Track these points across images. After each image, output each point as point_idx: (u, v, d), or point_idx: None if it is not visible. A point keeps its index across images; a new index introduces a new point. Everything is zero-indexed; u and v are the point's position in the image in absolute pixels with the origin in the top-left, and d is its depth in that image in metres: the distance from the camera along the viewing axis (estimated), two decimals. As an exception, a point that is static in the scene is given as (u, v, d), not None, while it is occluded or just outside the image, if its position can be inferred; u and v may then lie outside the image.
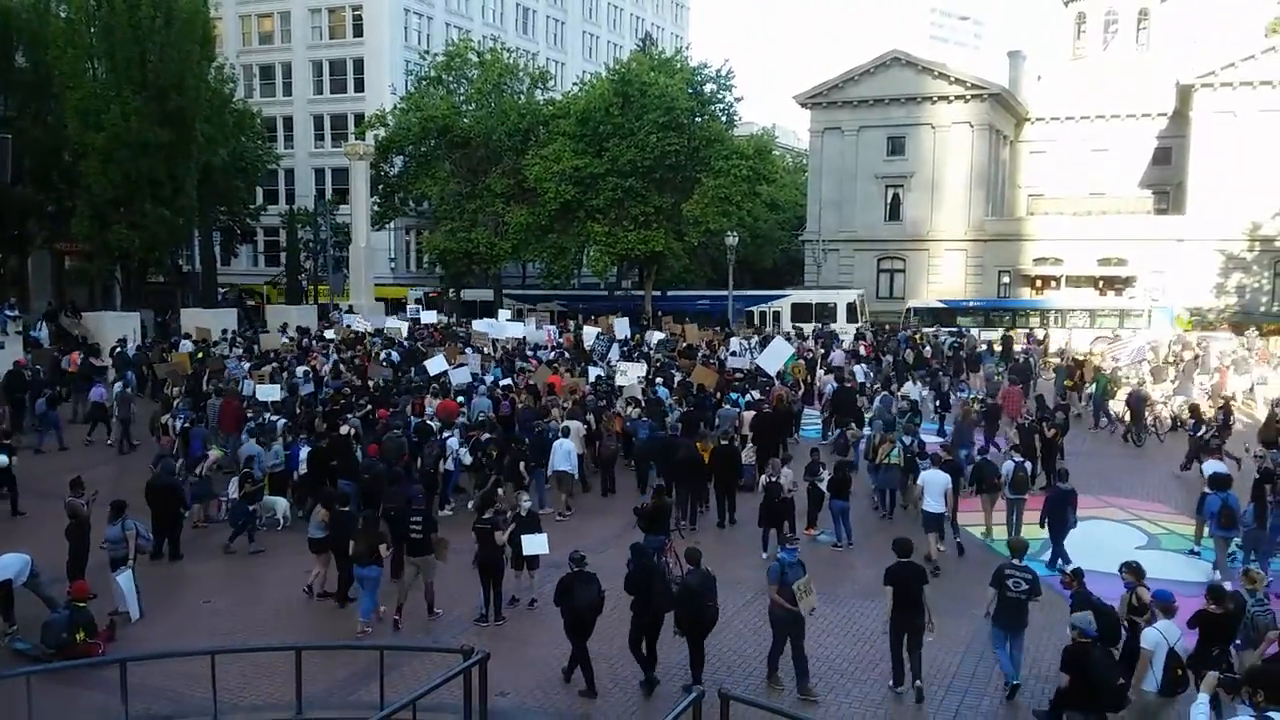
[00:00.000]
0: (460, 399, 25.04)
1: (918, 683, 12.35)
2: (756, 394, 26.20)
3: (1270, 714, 6.98)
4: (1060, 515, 17.09)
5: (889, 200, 64.46)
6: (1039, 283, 61.23)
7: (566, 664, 12.88)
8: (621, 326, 40.35)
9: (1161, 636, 10.15)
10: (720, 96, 55.95)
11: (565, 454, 20.56)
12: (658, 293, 59.83)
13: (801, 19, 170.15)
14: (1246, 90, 56.07)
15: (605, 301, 60.41)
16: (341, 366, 29.86)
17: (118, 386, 27.73)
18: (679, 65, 57.12)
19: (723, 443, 20.69)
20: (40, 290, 52.96)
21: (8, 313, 36.95)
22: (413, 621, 14.85)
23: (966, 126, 61.50)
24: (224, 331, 39.42)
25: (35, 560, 14.50)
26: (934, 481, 17.62)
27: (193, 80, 43.89)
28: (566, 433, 21.06)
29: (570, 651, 12.70)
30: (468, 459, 20.73)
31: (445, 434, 21.19)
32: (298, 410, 23.83)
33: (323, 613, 15.46)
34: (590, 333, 38.37)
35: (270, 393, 24.98)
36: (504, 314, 45.59)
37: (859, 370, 31.21)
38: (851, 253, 64.69)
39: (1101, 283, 59.50)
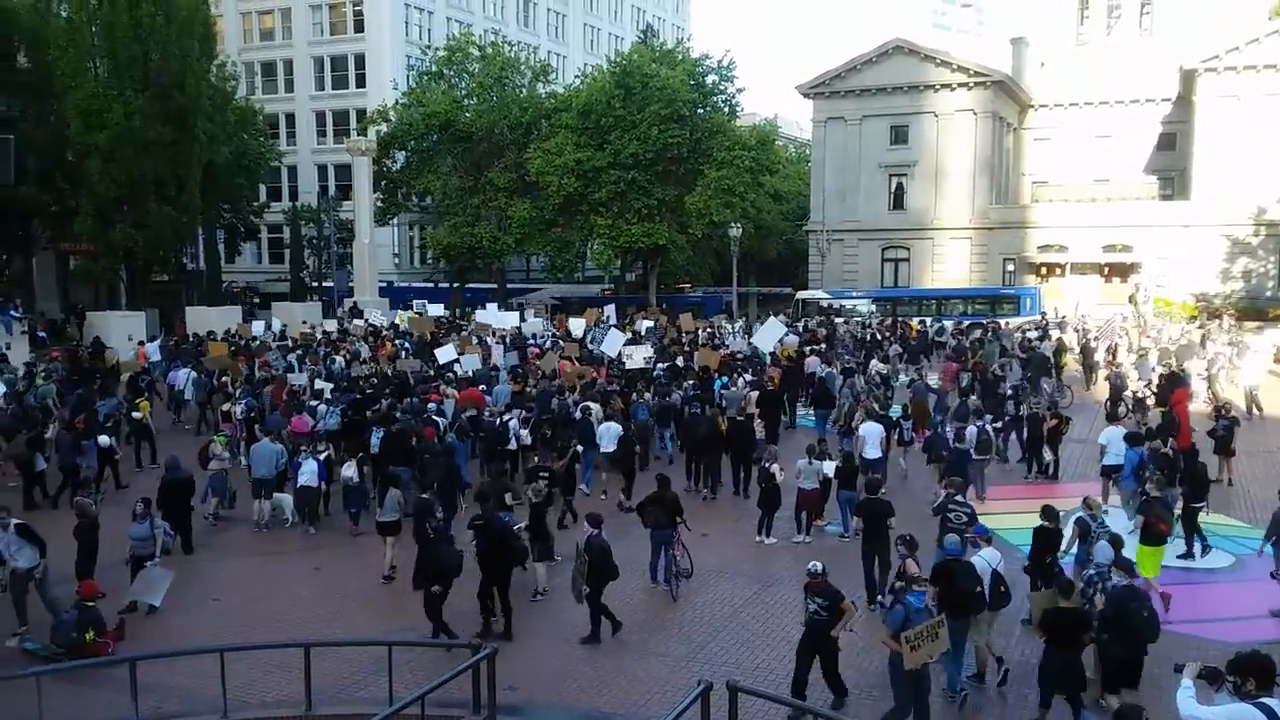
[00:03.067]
0: (481, 386, 25.85)
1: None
2: (749, 375, 27.52)
3: (1264, 700, 6.94)
4: None
5: (893, 189, 64.26)
6: (1044, 270, 61.06)
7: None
8: (609, 316, 41.48)
9: (985, 562, 12.23)
10: (722, 88, 55.90)
11: (612, 436, 21.18)
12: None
13: (803, 8, 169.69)
14: (1251, 74, 55.78)
15: (608, 299, 60.64)
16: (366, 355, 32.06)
17: (191, 375, 28.29)
18: (680, 57, 57.06)
19: (738, 418, 22.08)
20: (46, 291, 53.08)
21: (12, 314, 37.04)
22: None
23: (970, 114, 61.27)
24: (266, 325, 40.47)
25: (47, 562, 14.47)
26: (871, 432, 20.36)
27: (194, 78, 43.95)
28: (588, 413, 22.03)
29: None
30: (528, 439, 21.87)
31: (506, 416, 22.19)
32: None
33: (331, 610, 15.47)
34: (577, 323, 39.66)
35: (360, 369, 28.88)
36: (491, 306, 46.20)
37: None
38: (856, 243, 64.53)
39: (1107, 269, 59.35)
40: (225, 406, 25.23)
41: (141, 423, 24.05)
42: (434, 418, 22.37)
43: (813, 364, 30.12)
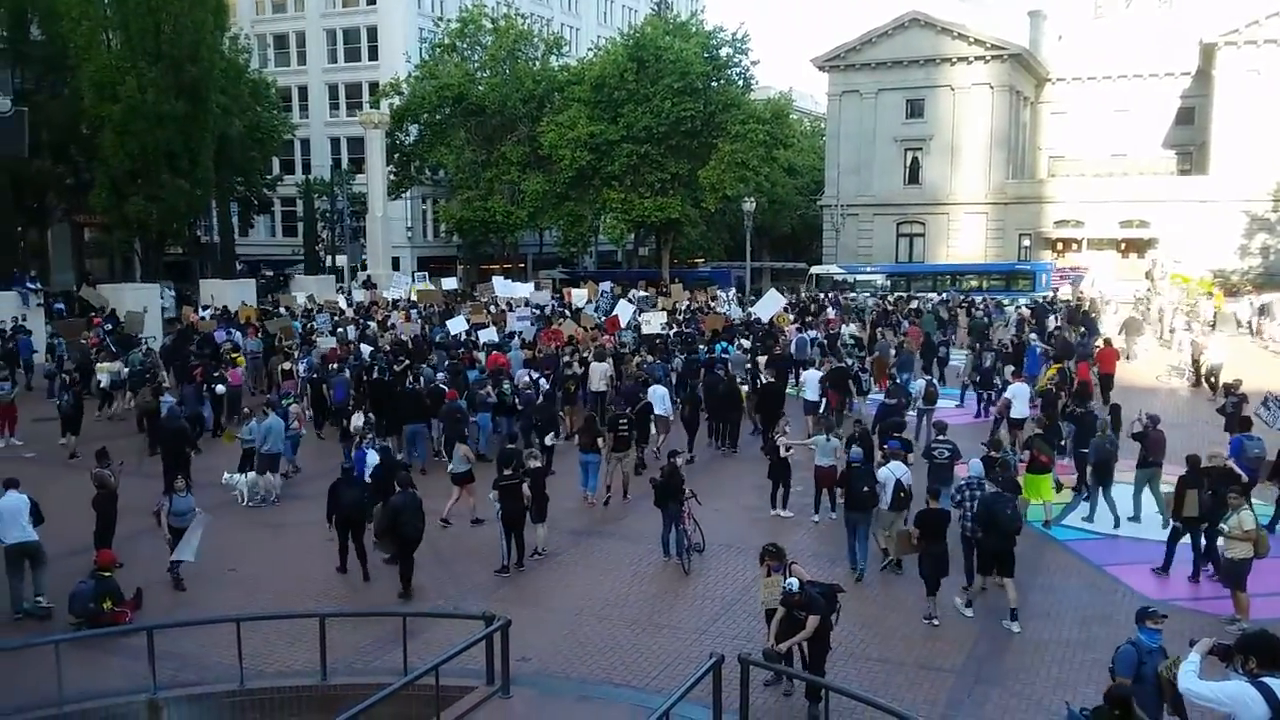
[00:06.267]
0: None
1: (862, 566, 15.15)
2: (746, 342, 29.20)
3: (1264, 679, 6.92)
4: None
5: (908, 164, 63.92)
6: (1060, 245, 60.75)
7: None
8: (604, 288, 44.70)
9: (890, 473, 15.23)
10: (736, 60, 55.53)
11: (660, 398, 22.02)
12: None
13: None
14: (1271, 48, 55.17)
15: (604, 273, 61.21)
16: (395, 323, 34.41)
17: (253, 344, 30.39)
18: (694, 29, 56.68)
19: (769, 380, 23.97)
20: (61, 263, 53.26)
21: (29, 285, 37.22)
22: (452, 575, 14.98)
23: (986, 88, 60.81)
24: (309, 297, 42.23)
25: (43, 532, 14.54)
26: (811, 379, 23.98)
27: (207, 51, 43.88)
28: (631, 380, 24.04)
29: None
30: (550, 391, 23.76)
31: (536, 375, 24.21)
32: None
33: (344, 580, 15.58)
34: (579, 294, 41.66)
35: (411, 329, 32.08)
36: (498, 279, 47.06)
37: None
38: (870, 217, 64.28)
39: (1124, 245, 59.00)
40: (285, 366, 26.64)
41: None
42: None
43: (791, 333, 32.13)
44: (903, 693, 11.53)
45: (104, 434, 23.87)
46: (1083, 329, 34.66)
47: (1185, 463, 14.94)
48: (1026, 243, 61.44)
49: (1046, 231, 60.89)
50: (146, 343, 31.22)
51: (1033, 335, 31.82)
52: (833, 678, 11.17)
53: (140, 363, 27.29)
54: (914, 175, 63.87)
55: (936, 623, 13.35)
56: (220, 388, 24.71)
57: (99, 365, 27.30)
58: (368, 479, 16.60)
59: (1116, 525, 17.22)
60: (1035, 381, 24.23)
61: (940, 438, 17.25)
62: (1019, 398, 21.53)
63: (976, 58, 60.61)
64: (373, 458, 17.56)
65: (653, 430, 21.43)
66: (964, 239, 61.81)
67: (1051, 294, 47.11)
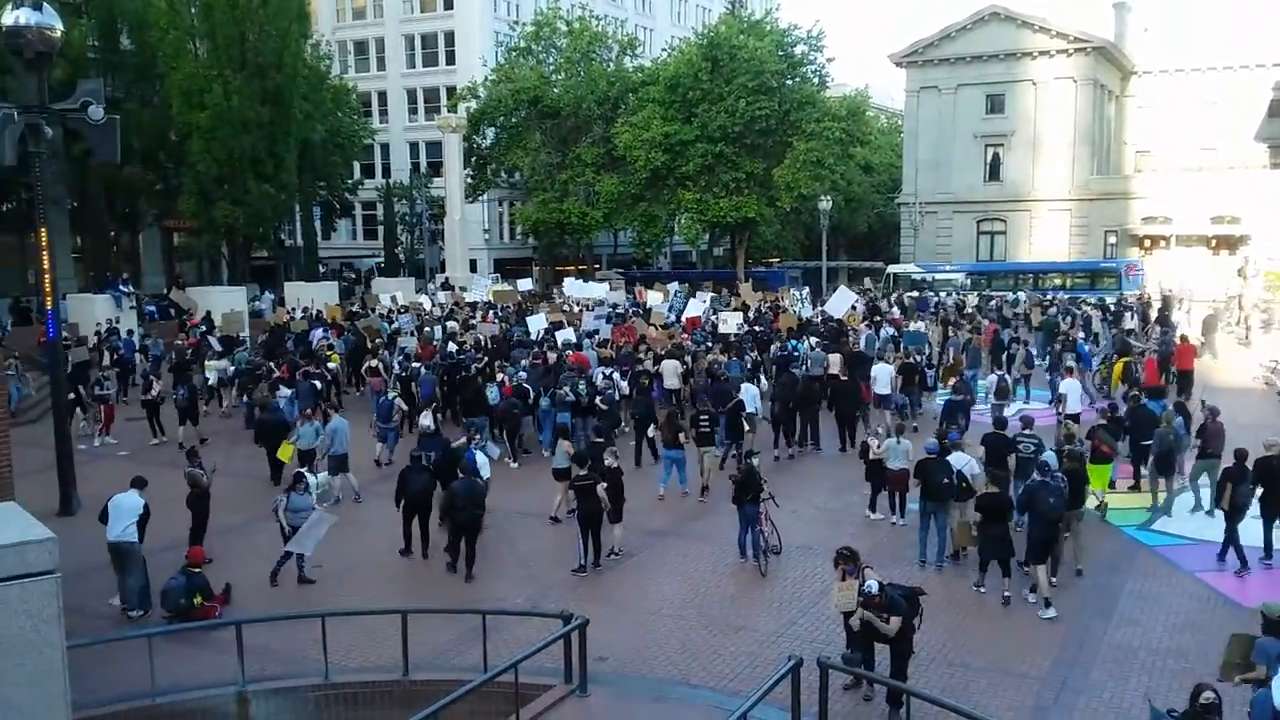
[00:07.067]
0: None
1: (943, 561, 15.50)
2: (814, 340, 29.09)
3: None
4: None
5: (988, 160, 62.75)
6: (1147, 242, 59.12)
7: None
8: (674, 288, 45.13)
9: (952, 464, 15.45)
10: (811, 58, 55.03)
11: (751, 397, 22.10)
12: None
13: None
14: (1371, 35, 53.08)
15: (672, 274, 61.19)
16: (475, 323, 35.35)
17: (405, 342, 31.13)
18: (769, 27, 56.34)
19: (842, 378, 23.57)
20: (152, 266, 54.85)
21: (122, 288, 38.40)
22: (530, 574, 15.12)
23: (1070, 82, 59.43)
24: (390, 299, 42.93)
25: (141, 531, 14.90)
26: (881, 373, 23.99)
27: (290, 58, 44.76)
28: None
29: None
30: (626, 390, 24.26)
31: (609, 370, 24.63)
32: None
33: (422, 576, 15.81)
34: (655, 296, 42.17)
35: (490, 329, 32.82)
36: (570, 280, 47.85)
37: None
38: (950, 215, 63.25)
39: (1214, 241, 57.20)
40: (373, 363, 27.45)
41: (335, 372, 28.10)
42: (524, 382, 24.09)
43: (862, 331, 32.63)
44: (985, 699, 11.32)
45: (212, 430, 24.95)
46: (1159, 326, 34.45)
47: (1234, 456, 15.15)
48: (1112, 240, 59.89)
49: (1133, 228, 59.30)
50: (246, 342, 32.54)
51: (1080, 333, 31.94)
52: (913, 683, 11.02)
53: (246, 361, 28.41)
54: (994, 172, 62.69)
55: (983, 590, 14.27)
56: (317, 383, 25.67)
57: (207, 363, 28.41)
58: (475, 475, 16.86)
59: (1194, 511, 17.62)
60: (1089, 378, 24.91)
61: (1026, 432, 17.25)
62: (1071, 393, 21.85)
63: (1059, 51, 59.28)
64: (483, 458, 17.74)
65: (746, 427, 21.41)
66: (1047, 236, 60.45)
67: (1141, 292, 45.80)
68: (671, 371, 25.07)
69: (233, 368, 28.26)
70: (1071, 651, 12.56)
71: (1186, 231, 57.42)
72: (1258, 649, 9.24)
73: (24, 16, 17.72)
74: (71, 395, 23.14)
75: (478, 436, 19.82)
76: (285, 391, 24.28)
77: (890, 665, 10.99)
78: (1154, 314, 37.91)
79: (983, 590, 14.22)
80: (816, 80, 55.70)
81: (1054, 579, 14.15)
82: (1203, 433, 17.61)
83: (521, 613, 13.89)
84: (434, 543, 16.36)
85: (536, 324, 33.07)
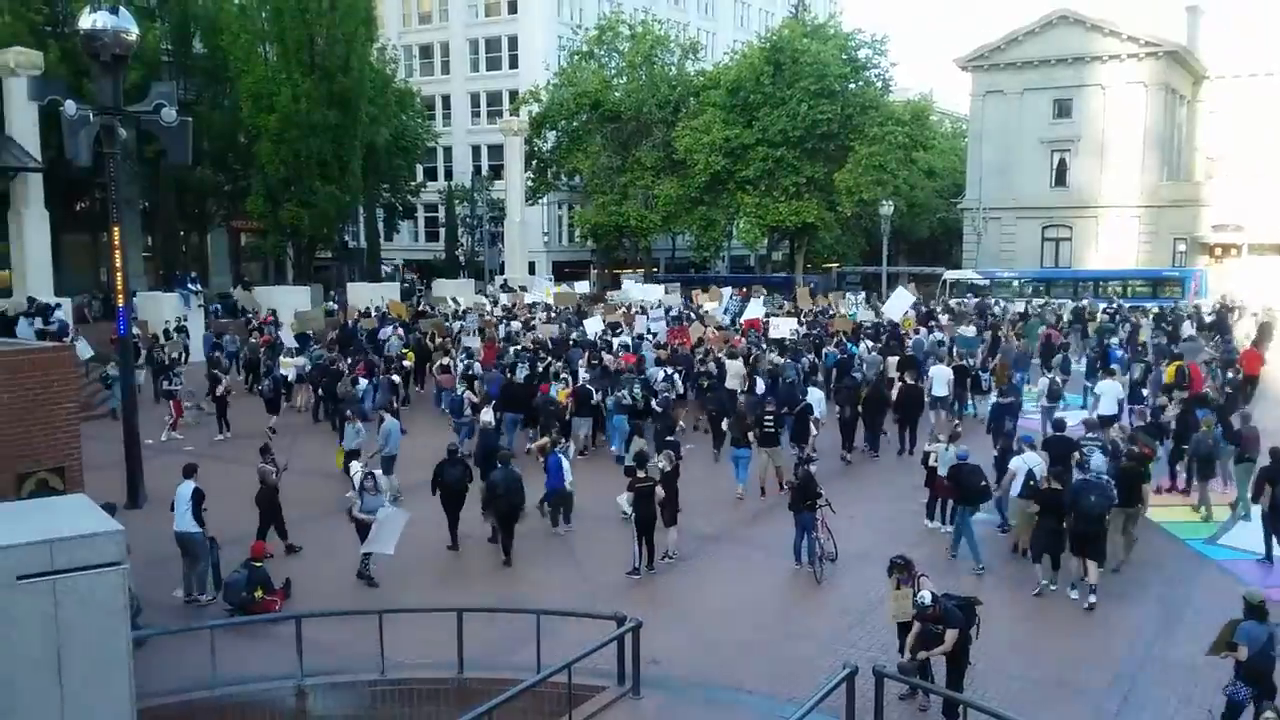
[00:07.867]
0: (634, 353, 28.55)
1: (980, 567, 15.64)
2: (869, 343, 29.77)
3: None
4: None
5: (1055, 165, 61.73)
6: (1218, 250, 57.73)
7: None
8: (728, 294, 45.56)
9: (1023, 463, 15.98)
10: (875, 62, 54.59)
11: (818, 400, 22.53)
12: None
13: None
14: None
15: (724, 278, 61.00)
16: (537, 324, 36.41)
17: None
18: (832, 31, 56.02)
19: (908, 382, 23.59)
20: (219, 266, 55.97)
21: (190, 287, 39.26)
22: (584, 575, 15.17)
23: (1140, 86, 58.27)
24: (452, 299, 44.39)
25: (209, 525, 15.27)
26: (939, 374, 24.65)
27: (357, 62, 45.40)
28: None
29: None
30: (681, 389, 24.63)
31: (669, 370, 24.95)
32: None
33: (474, 572, 15.98)
34: (709, 302, 42.83)
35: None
36: (630, 282, 48.55)
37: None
38: (1014, 220, 62.31)
39: (1288, 250, 55.73)
40: (444, 361, 28.26)
41: (409, 369, 29.46)
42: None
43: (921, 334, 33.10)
44: (1043, 712, 11.13)
45: (287, 425, 25.18)
46: (1216, 335, 34.24)
47: (1270, 455, 15.36)
48: (1182, 248, 58.56)
49: (1203, 236, 57.94)
50: (318, 339, 33.48)
51: (1113, 339, 32.12)
52: (970, 693, 10.86)
53: (320, 358, 29.12)
54: (1060, 177, 61.64)
55: (1042, 590, 14.57)
56: (395, 378, 26.71)
57: (283, 360, 28.98)
58: (560, 478, 17.67)
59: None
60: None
61: (1089, 435, 17.82)
62: (1106, 395, 22.46)
63: (1129, 55, 58.14)
64: (565, 463, 17.89)
65: (812, 431, 21.38)
66: (1114, 243, 59.28)
67: (1215, 301, 44.70)
68: (735, 373, 25.26)
69: (308, 364, 28.91)
70: (1133, 666, 12.32)
71: (1259, 240, 55.99)
72: (1239, 631, 10.03)
73: (101, 20, 18.23)
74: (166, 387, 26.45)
75: (562, 440, 20.09)
76: (364, 383, 25.18)
77: (946, 676, 10.84)
78: (1209, 321, 38.04)
79: (1053, 587, 14.50)
80: (880, 84, 55.25)
81: (1098, 571, 14.29)
82: (1237, 438, 17.92)
83: (576, 614, 13.90)
84: (465, 534, 17.00)
85: (593, 326, 33.59)
